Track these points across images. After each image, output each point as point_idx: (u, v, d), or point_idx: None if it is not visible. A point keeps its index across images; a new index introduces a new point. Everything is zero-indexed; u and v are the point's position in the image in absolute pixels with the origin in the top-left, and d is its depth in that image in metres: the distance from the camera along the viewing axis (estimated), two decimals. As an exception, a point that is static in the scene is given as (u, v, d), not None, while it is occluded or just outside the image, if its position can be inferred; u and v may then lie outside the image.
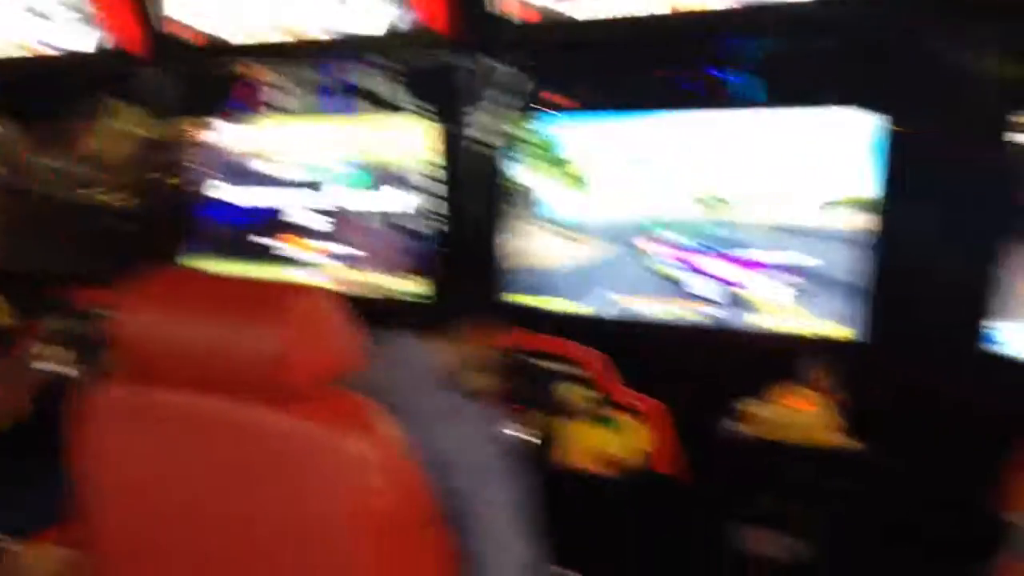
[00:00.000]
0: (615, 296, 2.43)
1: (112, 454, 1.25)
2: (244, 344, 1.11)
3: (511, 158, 2.48)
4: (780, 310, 2.31)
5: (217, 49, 2.77)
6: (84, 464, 1.25)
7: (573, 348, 2.15)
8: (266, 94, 2.81)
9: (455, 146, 2.54)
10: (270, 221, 2.88)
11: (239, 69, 2.82)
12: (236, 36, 2.68)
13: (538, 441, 2.01)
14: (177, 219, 3.02)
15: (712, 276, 2.34)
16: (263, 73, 2.80)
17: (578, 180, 2.44)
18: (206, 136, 2.92)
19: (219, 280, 1.31)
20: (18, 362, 2.50)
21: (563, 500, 2.03)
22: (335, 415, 1.14)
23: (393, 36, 2.45)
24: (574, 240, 2.45)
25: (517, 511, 1.32)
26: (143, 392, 1.21)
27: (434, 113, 2.57)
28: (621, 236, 2.42)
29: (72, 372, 2.54)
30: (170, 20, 2.77)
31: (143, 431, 1.23)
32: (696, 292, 2.36)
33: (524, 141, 2.46)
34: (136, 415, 1.23)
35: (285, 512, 1.17)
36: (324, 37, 2.56)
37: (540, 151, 2.46)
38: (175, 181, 2.98)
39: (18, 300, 3.03)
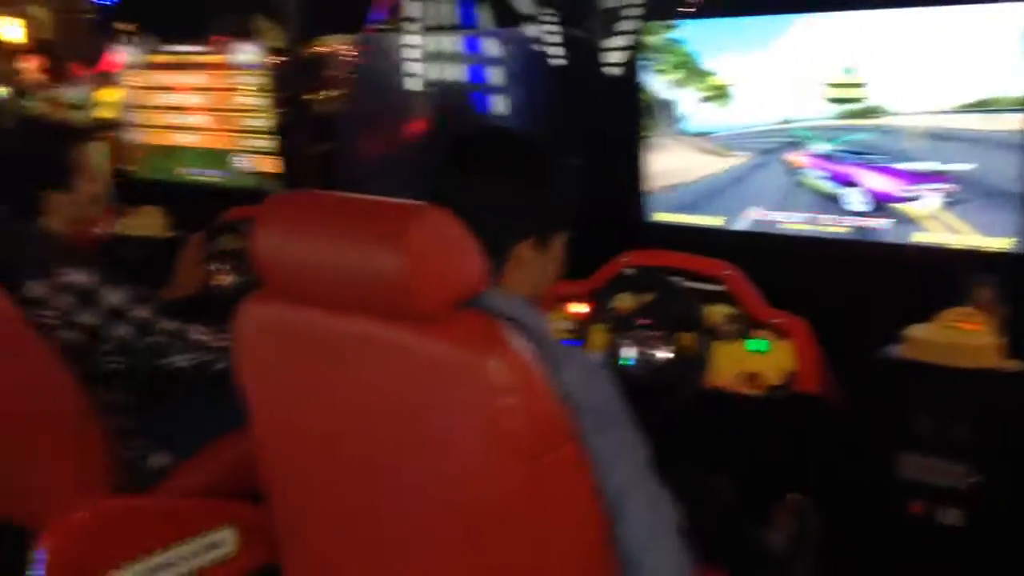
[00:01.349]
0: (761, 211, 2.32)
1: (262, 366, 1.31)
2: (370, 266, 1.12)
3: (647, 69, 2.37)
4: (936, 222, 2.15)
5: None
6: (243, 375, 1.32)
7: (715, 265, 2.08)
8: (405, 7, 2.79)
9: (588, 57, 2.45)
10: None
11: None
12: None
13: (681, 361, 1.97)
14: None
15: (863, 187, 2.19)
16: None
17: (719, 90, 2.32)
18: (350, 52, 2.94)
19: (346, 200, 1.32)
20: (194, 247, 2.65)
21: (707, 420, 2.00)
22: (468, 335, 1.13)
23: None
24: (717, 154, 2.34)
25: (641, 455, 1.30)
26: (284, 308, 1.25)
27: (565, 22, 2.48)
28: (766, 148, 2.29)
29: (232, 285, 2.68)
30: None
31: (286, 346, 1.27)
32: (846, 205, 2.22)
33: (660, 50, 2.35)
34: (279, 330, 1.28)
35: (420, 430, 1.19)
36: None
37: (678, 60, 2.34)
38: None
39: (176, 214, 3.21)
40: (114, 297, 2.09)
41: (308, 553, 1.44)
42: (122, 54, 3.47)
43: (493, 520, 1.18)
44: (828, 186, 2.23)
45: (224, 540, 2.23)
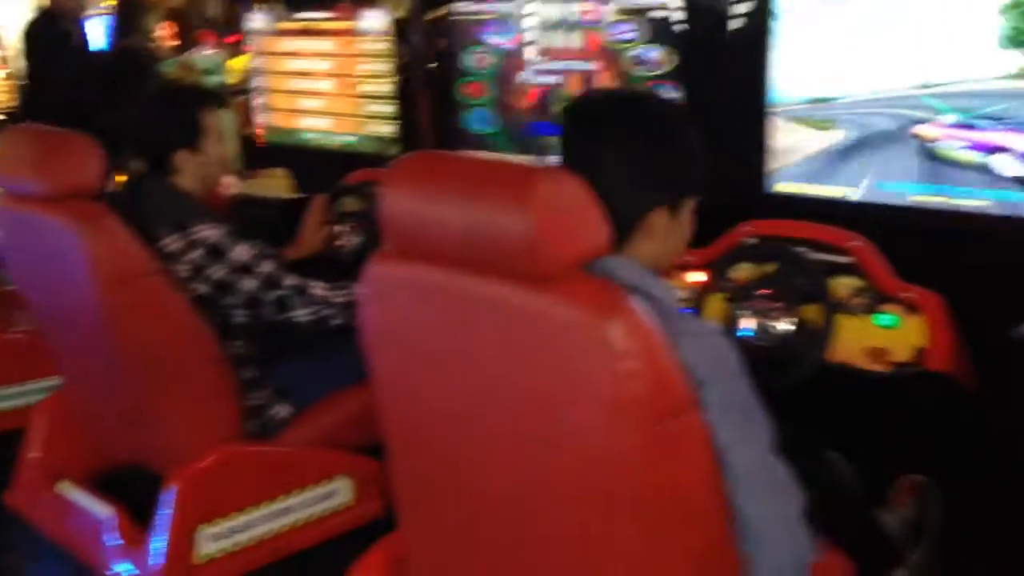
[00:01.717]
0: (889, 181, 2.21)
1: (385, 324, 1.34)
2: (495, 226, 1.13)
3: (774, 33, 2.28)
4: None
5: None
6: (367, 333, 1.35)
7: (843, 236, 2.01)
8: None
9: (713, 21, 2.38)
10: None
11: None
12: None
13: (803, 334, 1.91)
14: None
15: (995, 151, 2.04)
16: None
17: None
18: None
19: (472, 162, 1.33)
20: (318, 209, 2.73)
21: (828, 395, 1.95)
22: (590, 298, 1.13)
23: None
24: (837, 123, 2.24)
25: (765, 434, 1.27)
26: (409, 268, 1.27)
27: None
28: (890, 114, 2.18)
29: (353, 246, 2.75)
30: None
31: (409, 305, 1.30)
32: (981, 172, 2.08)
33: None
34: (403, 289, 1.30)
35: (538, 393, 1.20)
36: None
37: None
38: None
39: (301, 177, 3.30)
40: (242, 252, 2.17)
41: (422, 509, 1.47)
42: (253, 21, 3.57)
43: (609, 487, 1.18)
44: (956, 153, 2.09)
45: (339, 490, 2.32)
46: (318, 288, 2.24)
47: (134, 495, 2.16)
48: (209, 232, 2.16)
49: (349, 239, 2.76)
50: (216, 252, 2.15)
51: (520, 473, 1.27)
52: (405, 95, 3.13)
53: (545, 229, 1.10)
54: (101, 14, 5.49)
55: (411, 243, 1.25)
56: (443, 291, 1.25)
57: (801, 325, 1.92)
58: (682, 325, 1.25)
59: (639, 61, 2.58)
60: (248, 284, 2.17)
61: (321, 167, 3.29)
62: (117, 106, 2.42)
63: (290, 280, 2.21)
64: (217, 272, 2.15)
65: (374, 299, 1.34)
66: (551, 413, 1.19)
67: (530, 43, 2.82)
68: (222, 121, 2.32)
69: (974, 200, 2.07)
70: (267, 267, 2.20)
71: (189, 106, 2.28)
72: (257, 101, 3.65)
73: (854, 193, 2.23)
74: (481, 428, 1.29)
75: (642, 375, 1.11)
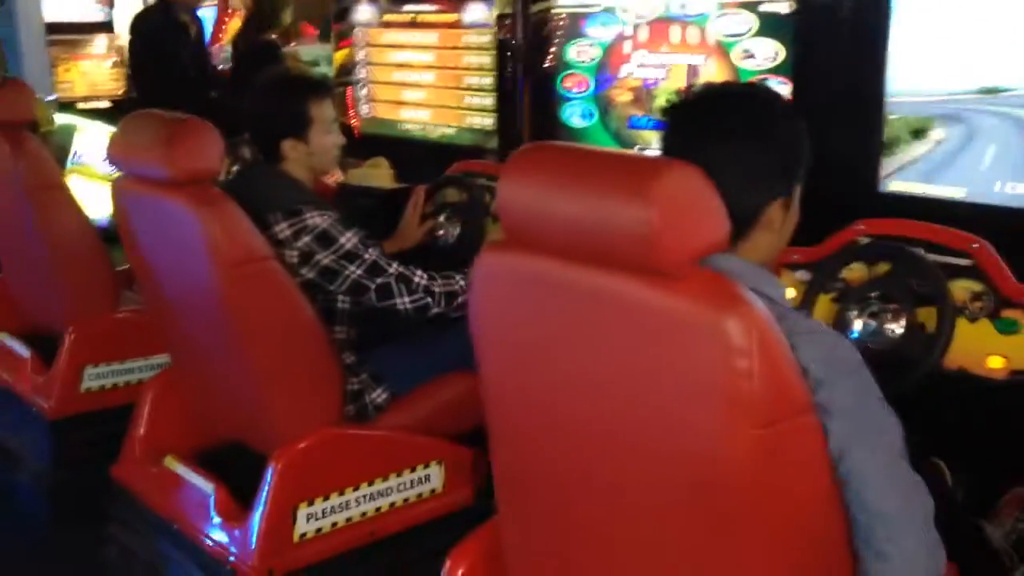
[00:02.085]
0: (1011, 183, 2.12)
1: (496, 313, 1.35)
2: (614, 218, 1.12)
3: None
4: None
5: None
6: (477, 321, 1.36)
7: (962, 238, 1.93)
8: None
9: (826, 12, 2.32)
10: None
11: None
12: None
13: (918, 337, 1.85)
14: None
15: None
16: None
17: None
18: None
19: (591, 153, 1.32)
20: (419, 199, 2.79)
21: (946, 403, 1.88)
22: (708, 293, 1.11)
23: None
24: (952, 120, 2.15)
25: (891, 436, 1.24)
26: (524, 258, 1.27)
27: None
28: (1004, 112, 2.08)
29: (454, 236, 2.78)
30: None
31: (522, 295, 1.30)
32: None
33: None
34: (517, 279, 1.30)
35: (650, 387, 1.19)
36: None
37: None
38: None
39: (402, 165, 3.34)
40: (349, 239, 2.21)
41: (522, 501, 1.48)
42: (359, 13, 3.62)
43: (719, 487, 1.16)
44: None
45: (432, 475, 2.34)
46: (421, 277, 2.27)
47: (236, 472, 2.22)
48: (318, 219, 2.20)
49: (449, 231, 2.79)
50: (325, 238, 2.20)
51: (626, 469, 1.26)
52: (505, 88, 3.14)
53: (666, 221, 1.08)
54: (210, 5, 5.66)
55: (527, 234, 1.25)
56: (557, 282, 1.24)
57: (915, 328, 1.86)
58: (797, 324, 1.22)
59: (748, 54, 2.53)
60: (354, 271, 2.21)
61: (421, 158, 3.32)
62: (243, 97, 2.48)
63: (394, 268, 2.25)
64: (325, 258, 2.20)
65: (485, 288, 1.35)
66: (663, 409, 1.18)
67: (633, 36, 2.79)
68: (328, 112, 2.36)
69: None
70: (373, 254, 2.24)
71: (297, 96, 2.33)
72: (360, 92, 3.71)
73: (970, 194, 2.15)
74: (587, 421, 1.28)
75: (759, 373, 1.09)
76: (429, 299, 2.27)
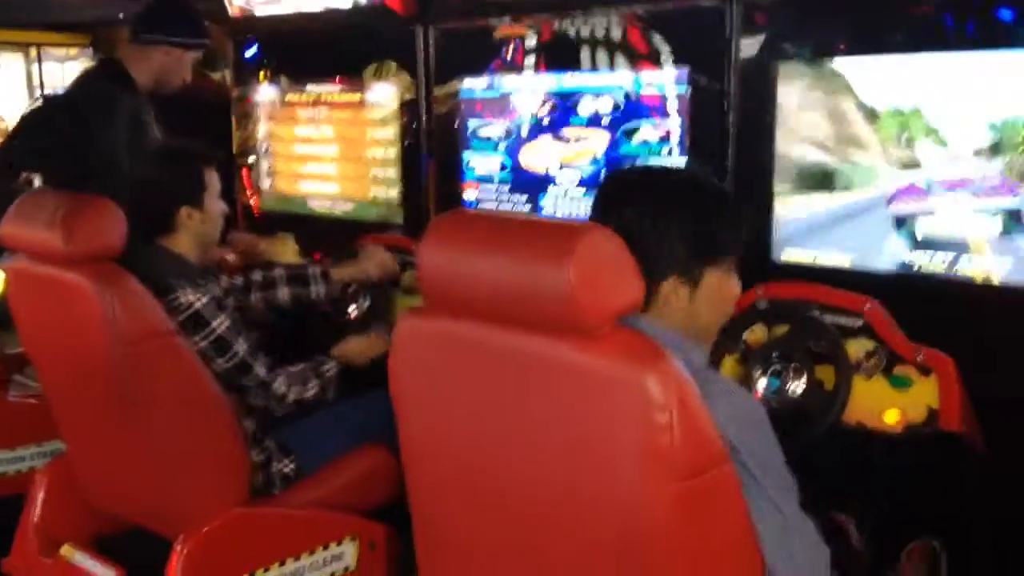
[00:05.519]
0: (895, 248, 2.23)
1: (419, 378, 1.36)
2: (535, 280, 1.16)
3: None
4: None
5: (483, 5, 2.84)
6: (397, 386, 1.37)
7: (855, 299, 2.04)
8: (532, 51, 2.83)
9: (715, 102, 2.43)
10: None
11: (502, 28, 2.87)
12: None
13: (816, 395, 1.94)
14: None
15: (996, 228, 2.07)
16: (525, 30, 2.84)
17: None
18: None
19: (504, 219, 1.36)
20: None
21: (844, 456, 1.96)
22: (628, 351, 1.15)
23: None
24: (843, 190, 2.27)
25: (794, 494, 1.30)
26: (446, 323, 1.29)
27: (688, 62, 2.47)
28: (891, 185, 2.21)
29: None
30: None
31: (444, 359, 1.31)
32: (984, 245, 2.10)
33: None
34: (439, 344, 1.32)
35: (572, 445, 1.21)
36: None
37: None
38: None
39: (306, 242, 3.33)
40: (220, 324, 2.19)
41: (449, 563, 1.47)
42: (259, 94, 3.64)
43: (644, 540, 1.19)
44: (961, 224, 2.12)
45: (346, 553, 2.29)
46: (280, 384, 2.28)
47: (139, 560, 2.13)
48: (191, 297, 2.16)
49: (360, 303, 2.79)
50: (198, 321, 2.16)
51: (552, 527, 1.27)
52: (409, 164, 3.18)
53: (585, 282, 1.12)
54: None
55: (449, 298, 1.27)
56: (480, 345, 1.27)
57: (815, 386, 1.94)
58: (712, 383, 1.27)
59: (636, 130, 2.63)
60: (223, 363, 2.19)
61: (325, 232, 3.32)
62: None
63: (258, 369, 2.25)
64: (200, 343, 2.16)
65: (407, 353, 1.36)
66: (588, 466, 1.20)
67: (530, 120, 2.87)
68: (216, 179, 2.34)
69: (970, 268, 2.09)
70: (241, 348, 2.22)
71: (192, 163, 2.31)
72: (261, 167, 3.70)
73: (856, 261, 2.25)
74: (513, 479, 1.29)
75: (679, 428, 1.13)
76: (277, 405, 2.29)
